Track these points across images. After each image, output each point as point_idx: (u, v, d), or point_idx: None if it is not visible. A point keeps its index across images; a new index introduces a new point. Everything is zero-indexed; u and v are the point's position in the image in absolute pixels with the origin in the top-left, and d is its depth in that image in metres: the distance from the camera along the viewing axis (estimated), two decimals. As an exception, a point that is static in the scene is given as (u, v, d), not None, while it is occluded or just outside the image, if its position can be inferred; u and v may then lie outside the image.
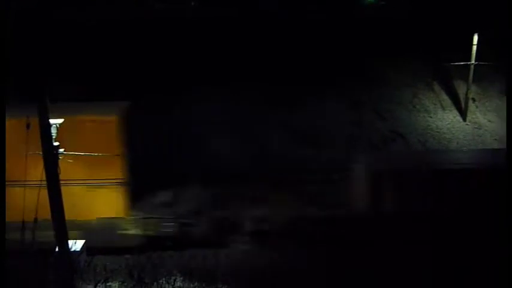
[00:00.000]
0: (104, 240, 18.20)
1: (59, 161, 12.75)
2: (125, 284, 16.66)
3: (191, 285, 16.90)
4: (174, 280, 17.01)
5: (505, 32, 29.60)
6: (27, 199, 13.49)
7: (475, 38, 28.08)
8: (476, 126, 29.12)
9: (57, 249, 13.03)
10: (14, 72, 17.51)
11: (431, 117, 29.33)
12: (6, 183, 12.56)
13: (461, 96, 30.21)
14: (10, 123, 13.39)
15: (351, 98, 29.89)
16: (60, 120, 13.18)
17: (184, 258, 18.44)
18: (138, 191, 20.29)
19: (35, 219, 17.25)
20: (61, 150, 13.08)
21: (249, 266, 17.72)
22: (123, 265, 17.69)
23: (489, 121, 29.46)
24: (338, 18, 34.03)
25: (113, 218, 19.50)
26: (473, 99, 30.19)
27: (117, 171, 19.38)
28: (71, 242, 15.25)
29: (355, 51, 31.29)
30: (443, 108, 30.02)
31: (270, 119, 27.69)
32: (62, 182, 12.73)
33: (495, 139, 28.47)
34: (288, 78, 29.61)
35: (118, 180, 19.51)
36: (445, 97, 30.66)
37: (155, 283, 16.41)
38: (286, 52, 30.64)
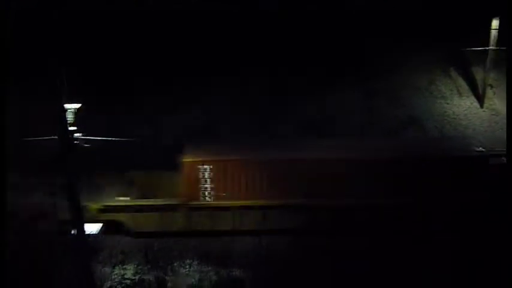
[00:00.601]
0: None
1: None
2: (140, 267, 17.02)
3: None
4: (190, 264, 17.37)
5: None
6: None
7: (494, 22, 27.40)
8: (493, 113, 28.62)
9: (73, 232, 13.33)
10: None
11: (448, 103, 28.92)
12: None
13: (479, 83, 29.69)
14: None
15: (368, 85, 29.74)
16: (78, 105, 13.37)
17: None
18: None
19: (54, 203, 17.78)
20: (77, 134, 13.28)
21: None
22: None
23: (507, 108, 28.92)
24: (354, 6, 33.58)
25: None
26: (491, 86, 29.62)
27: None
28: (88, 225, 15.64)
29: (373, 39, 31.02)
30: (460, 94, 29.57)
31: (285, 109, 27.83)
32: None
33: (513, 126, 28.00)
34: (303, 69, 29.66)
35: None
36: (462, 83, 30.15)
37: (169, 266, 16.75)
38: (301, 42, 30.54)
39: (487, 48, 27.98)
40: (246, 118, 27.35)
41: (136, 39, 29.42)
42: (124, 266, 17.20)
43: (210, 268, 17.32)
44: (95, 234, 17.33)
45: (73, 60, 27.17)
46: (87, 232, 14.27)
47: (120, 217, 18.07)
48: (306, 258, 17.54)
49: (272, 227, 18.51)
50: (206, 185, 18.26)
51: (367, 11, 31.38)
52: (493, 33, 27.47)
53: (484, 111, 28.88)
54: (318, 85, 29.28)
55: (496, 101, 29.37)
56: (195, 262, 17.44)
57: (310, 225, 18.49)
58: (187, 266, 17.43)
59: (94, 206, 17.65)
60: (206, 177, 18.21)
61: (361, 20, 31.49)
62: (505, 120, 28.29)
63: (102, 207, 17.96)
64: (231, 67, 29.08)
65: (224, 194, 18.20)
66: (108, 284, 16.25)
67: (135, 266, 17.24)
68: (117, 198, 18.60)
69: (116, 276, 16.65)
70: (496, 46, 27.83)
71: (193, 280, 16.62)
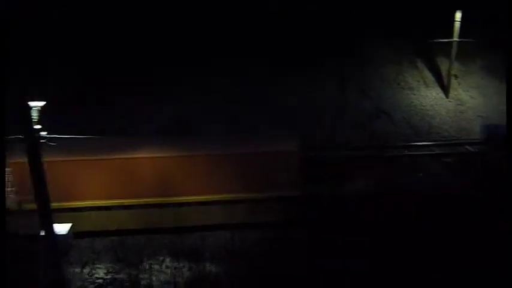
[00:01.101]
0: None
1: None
2: (111, 265, 16.71)
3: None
4: (162, 261, 17.14)
5: (487, 8, 29.87)
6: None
7: (458, 14, 28.07)
8: (458, 103, 29.40)
9: (42, 233, 12.97)
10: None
11: (414, 94, 29.52)
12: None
13: (444, 73, 30.42)
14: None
15: (337, 77, 30.05)
16: (42, 103, 12.94)
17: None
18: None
19: (19, 204, 17.20)
20: (43, 133, 12.86)
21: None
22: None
23: (471, 97, 29.77)
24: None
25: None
26: (456, 76, 30.43)
27: None
28: (57, 226, 15.23)
29: (340, 31, 31.34)
30: (426, 85, 30.21)
31: (257, 101, 27.78)
32: None
33: (478, 115, 28.80)
34: (272, 59, 29.64)
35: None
36: (428, 74, 30.81)
37: (141, 264, 16.50)
38: (273, 34, 30.56)
39: (451, 40, 28.67)
40: (219, 110, 27.22)
41: (102, 32, 28.83)
42: (95, 266, 16.87)
43: (183, 264, 17.18)
44: (64, 234, 16.92)
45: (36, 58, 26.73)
46: (56, 232, 13.90)
47: None
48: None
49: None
50: (9, 189, 17.49)
51: (337, 4, 31.68)
52: (457, 25, 28.14)
53: (449, 101, 29.60)
54: (289, 76, 29.41)
55: (460, 91, 30.15)
56: (168, 259, 17.23)
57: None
58: (159, 263, 17.24)
59: None
60: (8, 180, 17.43)
61: (331, 14, 31.81)
62: (469, 110, 29.21)
63: None
64: (200, 58, 28.91)
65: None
66: (80, 284, 15.92)
67: (107, 265, 16.93)
68: None
69: (87, 276, 16.32)
70: (459, 38, 28.58)
71: (166, 276, 16.44)
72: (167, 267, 16.77)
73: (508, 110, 20.85)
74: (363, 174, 21.83)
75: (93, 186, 18.36)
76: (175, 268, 16.66)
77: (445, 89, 29.78)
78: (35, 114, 12.50)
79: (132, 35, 29.13)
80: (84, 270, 16.46)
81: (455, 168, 23.62)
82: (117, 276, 16.15)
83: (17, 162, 17.05)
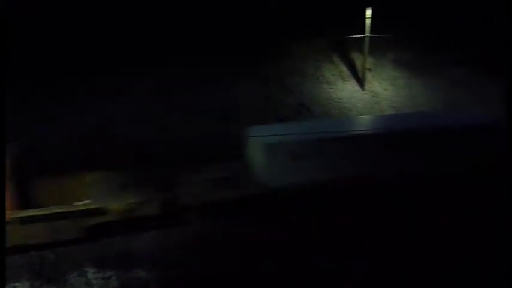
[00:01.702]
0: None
1: None
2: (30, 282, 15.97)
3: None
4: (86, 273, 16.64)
5: (395, 5, 31.83)
6: None
7: (368, 12, 29.62)
8: (373, 95, 31.02)
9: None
10: None
11: (332, 88, 30.74)
12: None
13: (359, 67, 31.96)
14: None
15: (258, 74, 30.50)
16: None
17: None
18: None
19: None
20: None
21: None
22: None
23: (384, 89, 31.53)
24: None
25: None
26: (370, 70, 32.09)
27: None
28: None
29: (261, 28, 31.88)
30: (343, 79, 31.58)
31: (177, 99, 27.58)
32: None
33: (391, 106, 30.59)
34: (198, 59, 29.56)
35: None
36: (344, 68, 32.22)
37: (63, 278, 15.94)
38: (194, 32, 30.45)
39: (363, 35, 30.20)
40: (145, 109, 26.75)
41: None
42: (14, 284, 16.04)
43: (110, 273, 16.79)
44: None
45: None
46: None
47: None
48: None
49: None
50: None
51: (253, 3, 32.18)
52: (367, 21, 29.70)
53: (365, 93, 31.17)
54: (212, 74, 29.46)
55: (375, 84, 31.85)
56: (93, 270, 16.76)
57: None
58: (85, 274, 16.74)
59: None
60: None
61: (248, 10, 32.23)
62: (383, 101, 30.96)
63: None
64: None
65: None
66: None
67: (26, 282, 16.15)
68: None
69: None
70: (372, 33, 30.18)
71: (93, 288, 16.02)
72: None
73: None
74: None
75: None
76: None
77: (361, 82, 31.33)
78: None
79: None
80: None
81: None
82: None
83: None
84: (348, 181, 19.10)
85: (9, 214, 16.90)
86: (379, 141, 19.87)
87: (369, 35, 30.28)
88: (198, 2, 31.73)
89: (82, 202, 18.33)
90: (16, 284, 16.05)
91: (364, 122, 24.66)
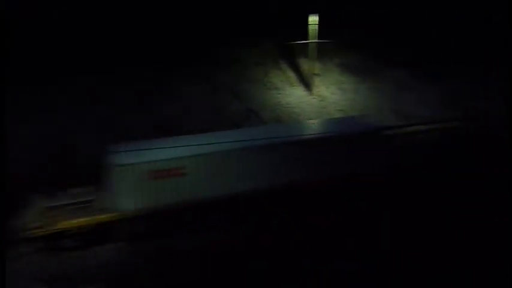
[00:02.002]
0: None
1: None
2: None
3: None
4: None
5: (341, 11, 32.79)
6: None
7: (310, 18, 30.27)
8: (321, 99, 31.62)
9: None
10: None
11: (280, 93, 31.14)
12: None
13: (306, 73, 32.56)
14: None
15: (206, 81, 30.53)
16: None
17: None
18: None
19: None
20: None
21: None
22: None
23: (331, 93, 32.22)
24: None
25: None
26: (317, 75, 32.72)
27: None
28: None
29: (211, 36, 32.10)
30: (291, 84, 32.07)
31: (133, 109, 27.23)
32: None
33: (338, 110, 31.26)
34: (149, 68, 29.34)
35: None
36: (291, 74, 32.74)
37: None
38: (142, 41, 30.28)
39: (309, 41, 30.83)
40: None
41: None
42: None
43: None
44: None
45: None
46: None
47: None
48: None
49: None
50: None
51: (204, 9, 32.38)
52: (312, 27, 30.35)
53: (313, 98, 31.74)
54: (162, 83, 29.29)
55: (322, 88, 32.49)
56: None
57: None
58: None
59: None
60: None
61: (200, 18, 32.39)
62: (331, 105, 31.57)
63: None
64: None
65: None
66: None
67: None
68: None
69: None
70: (318, 39, 30.84)
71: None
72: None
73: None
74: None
75: None
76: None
77: (308, 87, 31.90)
78: None
79: None
80: None
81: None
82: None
83: None
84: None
85: None
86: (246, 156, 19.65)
87: (315, 40, 30.91)
88: (145, 10, 31.66)
89: None
90: None
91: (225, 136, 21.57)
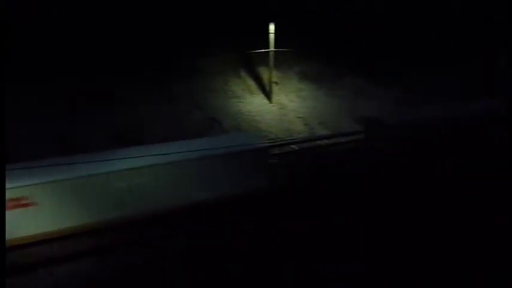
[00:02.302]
0: None
1: None
2: None
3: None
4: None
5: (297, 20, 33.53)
6: None
7: (271, 27, 30.80)
8: (280, 107, 32.21)
9: None
10: None
11: (241, 102, 31.50)
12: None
13: (266, 81, 33.11)
14: None
15: (167, 91, 30.49)
16: None
17: None
18: None
19: None
20: None
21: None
22: None
23: (291, 101, 32.90)
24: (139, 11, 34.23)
25: None
26: (276, 83, 33.36)
27: None
28: None
29: (170, 46, 32.07)
30: (251, 92, 32.51)
31: (93, 119, 26.76)
32: None
33: (298, 117, 31.93)
34: (111, 79, 28.96)
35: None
36: (251, 82, 33.20)
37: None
38: (89, 49, 29.84)
39: (268, 50, 31.36)
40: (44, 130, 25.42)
41: None
42: None
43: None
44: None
45: None
46: None
47: None
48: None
49: None
50: None
51: (162, 18, 32.31)
52: (271, 36, 30.89)
53: (273, 106, 32.29)
54: (123, 94, 29.00)
55: (281, 96, 33.13)
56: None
57: None
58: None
59: None
60: None
61: (157, 28, 32.30)
62: (290, 113, 32.20)
63: None
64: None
65: None
66: None
67: None
68: None
69: None
70: (276, 48, 31.41)
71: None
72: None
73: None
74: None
75: None
76: None
77: (268, 95, 32.42)
78: None
79: None
80: None
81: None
82: None
83: None
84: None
85: None
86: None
87: (273, 49, 31.45)
88: (102, 17, 31.31)
89: None
90: None
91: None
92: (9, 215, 15.64)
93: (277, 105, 32.24)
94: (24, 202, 16.61)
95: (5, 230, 12.17)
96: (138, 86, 29.89)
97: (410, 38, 40.92)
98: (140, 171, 18.41)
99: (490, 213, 19.90)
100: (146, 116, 28.56)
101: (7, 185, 14.58)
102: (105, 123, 27.13)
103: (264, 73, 33.39)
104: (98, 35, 30.64)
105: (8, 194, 15.40)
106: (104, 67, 29.39)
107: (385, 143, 25.06)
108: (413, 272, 16.37)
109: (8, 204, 15.93)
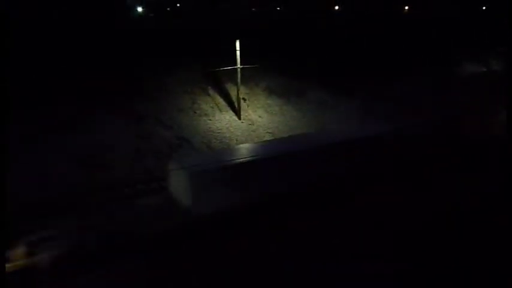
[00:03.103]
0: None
1: None
2: None
3: None
4: None
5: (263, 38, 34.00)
6: None
7: (237, 44, 31.15)
8: (250, 123, 32.45)
9: None
10: None
11: (210, 119, 31.46)
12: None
13: (234, 98, 33.32)
14: None
15: (134, 111, 30.03)
16: None
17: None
18: None
19: None
20: None
21: None
22: None
23: (259, 117, 33.23)
24: (109, 30, 34.00)
25: None
26: (244, 99, 33.63)
27: None
28: None
29: (133, 65, 31.77)
30: (220, 110, 32.57)
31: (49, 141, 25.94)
32: None
33: (267, 132, 32.26)
34: (60, 98, 28.22)
35: None
36: (220, 100, 33.28)
37: None
38: (57, 68, 29.25)
39: (235, 67, 31.63)
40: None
41: None
42: None
43: None
44: None
45: None
46: None
47: None
48: None
49: None
50: None
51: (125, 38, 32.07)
52: (237, 53, 31.20)
53: (242, 122, 32.47)
54: (85, 115, 28.34)
55: (250, 112, 33.39)
56: None
57: None
58: None
59: None
60: None
61: (121, 48, 32.03)
62: (260, 128, 32.54)
63: None
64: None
65: None
66: None
67: None
68: None
69: None
70: (242, 64, 31.73)
71: None
72: None
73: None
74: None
75: None
76: None
77: (237, 112, 32.60)
78: None
79: None
80: None
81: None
82: None
83: None
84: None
85: None
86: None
87: (239, 66, 31.72)
88: (64, 37, 30.83)
89: None
90: None
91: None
92: None
93: (246, 121, 32.45)
94: None
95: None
96: (102, 108, 29.31)
97: (370, 50, 42.30)
98: None
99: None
100: (112, 138, 28.03)
101: None
102: (66, 147, 26.34)
103: (232, 90, 33.61)
104: (57, 57, 30.05)
105: None
106: (65, 89, 28.70)
107: None
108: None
109: None
